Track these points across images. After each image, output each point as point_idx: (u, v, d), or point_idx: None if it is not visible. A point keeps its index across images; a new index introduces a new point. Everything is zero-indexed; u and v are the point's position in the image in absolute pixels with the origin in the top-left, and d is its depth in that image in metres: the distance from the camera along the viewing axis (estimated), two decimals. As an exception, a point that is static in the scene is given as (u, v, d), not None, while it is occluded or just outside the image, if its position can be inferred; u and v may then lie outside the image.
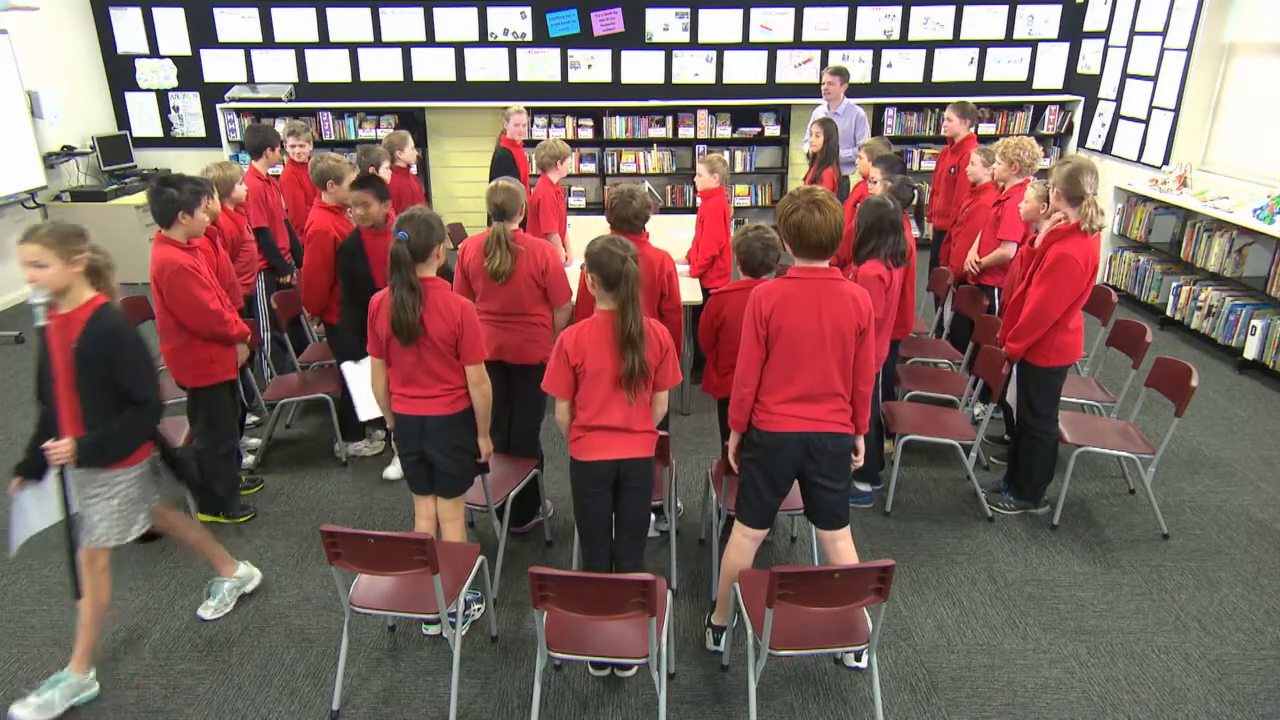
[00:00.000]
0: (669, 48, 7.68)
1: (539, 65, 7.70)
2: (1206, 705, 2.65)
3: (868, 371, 2.54)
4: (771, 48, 7.72)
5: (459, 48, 7.65)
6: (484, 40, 7.62)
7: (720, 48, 7.70)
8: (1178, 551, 3.45)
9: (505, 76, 7.72)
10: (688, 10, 7.55)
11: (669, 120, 7.78)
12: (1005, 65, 7.88)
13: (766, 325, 2.47)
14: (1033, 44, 7.80)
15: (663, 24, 7.61)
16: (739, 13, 7.58)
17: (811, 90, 7.74)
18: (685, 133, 7.83)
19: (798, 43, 7.70)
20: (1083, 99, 7.63)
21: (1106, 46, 7.27)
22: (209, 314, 3.25)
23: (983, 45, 7.80)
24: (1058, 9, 7.68)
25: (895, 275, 3.34)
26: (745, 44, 7.70)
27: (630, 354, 2.49)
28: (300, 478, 4.02)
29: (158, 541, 3.51)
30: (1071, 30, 7.72)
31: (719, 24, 7.62)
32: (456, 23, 7.56)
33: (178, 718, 2.60)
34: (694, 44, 7.68)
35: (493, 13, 7.53)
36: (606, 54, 7.68)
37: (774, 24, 7.65)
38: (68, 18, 7.24)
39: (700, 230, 4.61)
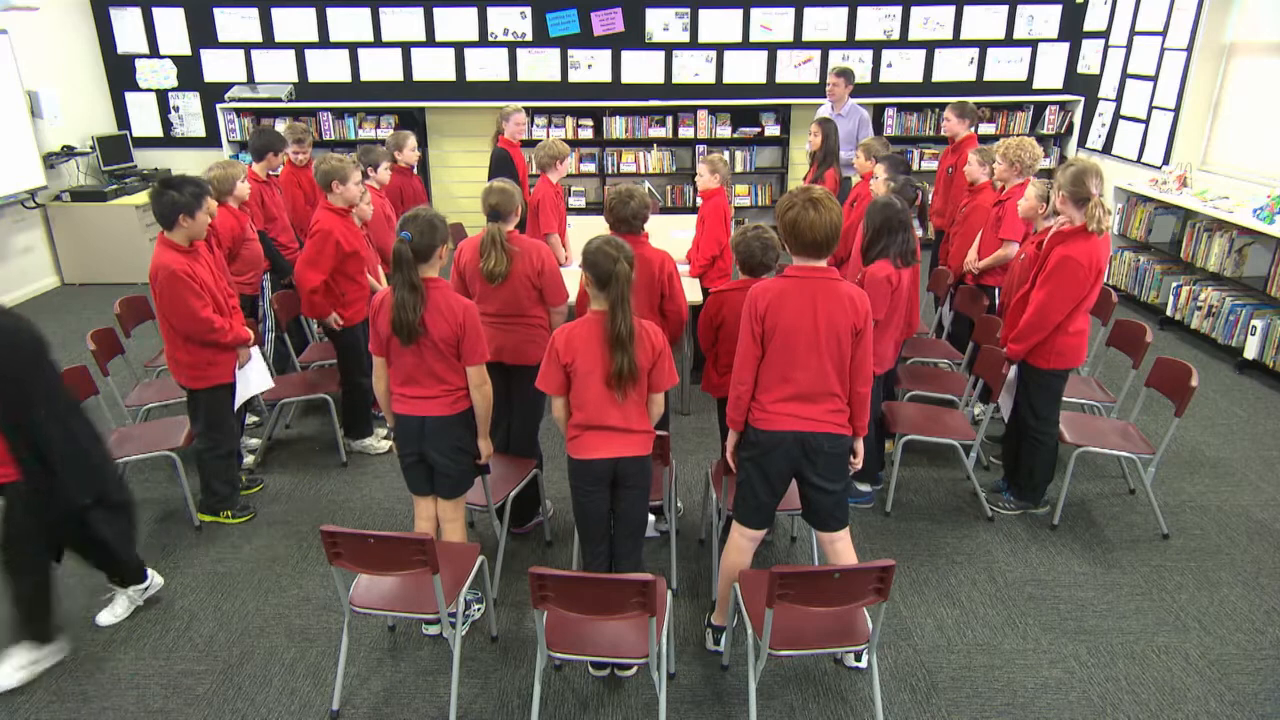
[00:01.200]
0: (669, 48, 7.68)
1: (539, 65, 7.70)
2: (1206, 705, 2.65)
3: (865, 372, 2.54)
4: (771, 48, 7.72)
5: (459, 48, 7.65)
6: (484, 40, 7.62)
7: (720, 48, 7.70)
8: (1178, 551, 3.45)
9: (505, 76, 7.72)
10: (688, 10, 7.56)
11: (669, 120, 7.78)
12: (1005, 65, 7.88)
13: (762, 323, 2.48)
14: (1033, 44, 7.80)
15: (663, 24, 7.61)
16: (739, 13, 7.58)
17: (812, 90, 7.74)
18: (685, 133, 7.82)
19: (798, 43, 7.70)
20: (1083, 99, 7.63)
21: (1107, 46, 7.27)
22: (198, 321, 3.25)
23: (983, 45, 7.80)
24: (1058, 9, 7.68)
25: (903, 275, 3.34)
26: (745, 44, 7.70)
27: (619, 354, 2.49)
28: (300, 478, 4.02)
29: (158, 550, 3.51)
30: (1072, 30, 7.72)
31: (719, 24, 7.62)
32: (456, 23, 7.57)
33: (178, 718, 2.60)
34: (694, 44, 7.68)
35: (493, 13, 7.54)
36: (606, 54, 7.68)
37: (774, 24, 7.65)
38: (68, 18, 7.25)
39: (700, 230, 4.62)
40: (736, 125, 7.89)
